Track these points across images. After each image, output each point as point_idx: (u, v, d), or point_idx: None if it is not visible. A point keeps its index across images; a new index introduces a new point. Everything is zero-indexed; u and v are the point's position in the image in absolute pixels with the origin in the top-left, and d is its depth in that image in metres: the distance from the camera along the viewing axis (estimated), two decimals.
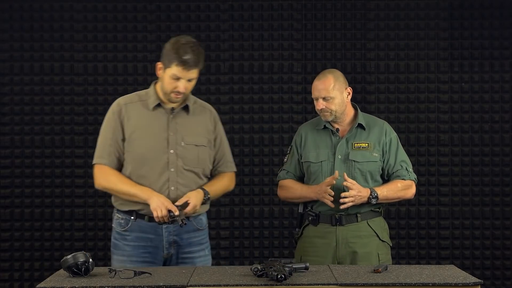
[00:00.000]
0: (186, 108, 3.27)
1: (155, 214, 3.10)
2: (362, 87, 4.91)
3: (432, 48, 4.92)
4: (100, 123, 4.87)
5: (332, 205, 3.36)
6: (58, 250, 4.87)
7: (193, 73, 3.15)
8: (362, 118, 3.52)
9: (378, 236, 3.46)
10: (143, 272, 2.85)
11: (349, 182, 3.33)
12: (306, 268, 2.91)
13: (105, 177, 3.24)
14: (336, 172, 3.35)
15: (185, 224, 3.11)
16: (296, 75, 4.94)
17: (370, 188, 3.39)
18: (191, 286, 2.70)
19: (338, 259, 3.41)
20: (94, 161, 3.26)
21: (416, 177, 3.53)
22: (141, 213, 3.21)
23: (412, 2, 4.93)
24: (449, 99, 4.92)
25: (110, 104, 4.87)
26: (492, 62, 4.90)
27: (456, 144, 4.90)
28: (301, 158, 3.55)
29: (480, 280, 2.74)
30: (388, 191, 3.44)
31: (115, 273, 2.79)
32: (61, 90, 4.93)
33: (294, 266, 2.83)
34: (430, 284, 2.71)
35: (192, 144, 3.24)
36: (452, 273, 2.90)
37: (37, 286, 2.69)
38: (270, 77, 4.94)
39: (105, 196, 4.92)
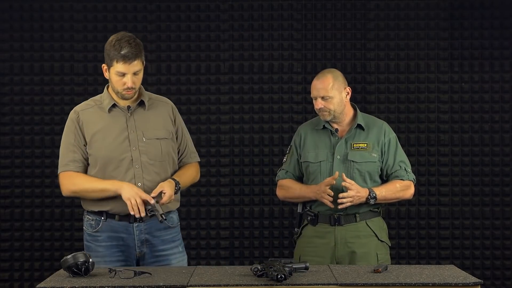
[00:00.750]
0: (142, 104, 3.30)
1: (129, 204, 3.07)
2: (362, 87, 4.91)
3: (432, 48, 4.92)
4: None
5: (332, 205, 3.36)
6: (58, 250, 4.87)
7: (136, 66, 3.18)
8: (362, 118, 3.52)
9: (377, 236, 3.46)
10: (143, 272, 2.85)
11: (348, 182, 3.34)
12: (306, 268, 2.92)
13: (71, 181, 3.25)
14: (336, 173, 3.36)
15: (165, 219, 3.08)
16: (296, 75, 4.94)
17: (368, 189, 3.39)
18: (191, 286, 2.70)
19: (337, 259, 3.42)
20: (59, 171, 3.28)
21: (415, 177, 3.54)
22: (111, 212, 3.23)
23: (412, 2, 4.93)
24: (449, 99, 4.92)
25: None
26: (492, 62, 4.90)
27: (456, 144, 4.90)
28: (300, 158, 3.56)
29: (480, 280, 2.74)
30: (387, 192, 3.44)
31: (115, 273, 2.79)
32: (61, 90, 4.93)
33: (294, 266, 2.83)
34: (430, 284, 2.71)
35: (154, 138, 3.27)
36: (452, 273, 2.91)
37: (37, 286, 2.69)
38: (270, 77, 4.94)
39: None
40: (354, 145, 3.47)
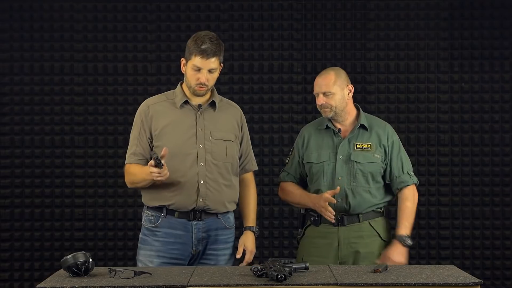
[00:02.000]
0: (213, 105, 3.35)
1: (154, 176, 3.11)
2: (362, 87, 4.91)
3: (432, 48, 4.92)
4: (100, 123, 4.93)
5: (333, 221, 3.37)
6: (58, 250, 4.87)
7: (213, 63, 3.22)
8: (365, 118, 3.52)
9: (380, 236, 3.46)
10: (143, 272, 2.85)
11: (385, 259, 3.36)
12: (306, 268, 2.91)
13: (127, 172, 3.32)
14: (338, 188, 3.35)
15: (160, 162, 3.08)
16: (296, 75, 4.94)
17: (398, 238, 3.40)
18: (191, 286, 2.70)
19: (340, 259, 3.41)
20: (126, 161, 3.35)
21: (417, 179, 3.54)
22: (170, 208, 3.27)
23: (412, 2, 4.93)
24: (449, 99, 4.92)
25: (110, 104, 4.93)
26: (492, 62, 4.90)
27: (456, 144, 4.90)
28: (302, 160, 3.55)
29: (480, 280, 2.74)
30: (408, 219, 3.45)
31: (115, 273, 2.79)
32: (61, 90, 4.94)
33: (294, 266, 2.83)
34: (430, 284, 2.71)
35: (220, 139, 3.31)
36: (452, 273, 2.91)
37: (37, 286, 2.69)
38: (270, 77, 4.94)
39: (105, 196, 4.93)
40: (357, 145, 3.47)
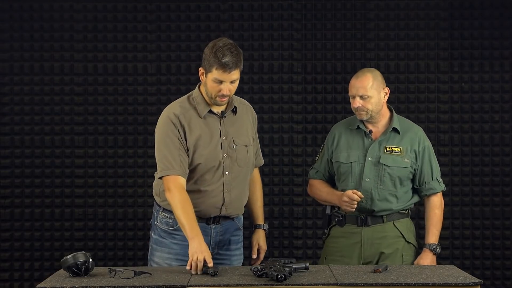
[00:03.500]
0: (233, 110, 3.30)
1: (190, 259, 2.98)
2: None
3: (432, 48, 4.92)
4: (100, 123, 4.92)
5: (353, 210, 3.36)
6: (58, 250, 4.87)
7: (235, 75, 3.14)
8: (397, 121, 3.49)
9: (404, 237, 3.45)
10: (143, 272, 2.86)
11: (419, 264, 3.38)
12: (306, 268, 2.92)
13: (175, 190, 3.13)
14: (360, 193, 3.34)
15: (216, 272, 2.95)
16: (296, 75, 4.94)
17: (428, 247, 3.43)
18: (191, 286, 2.70)
19: (363, 259, 3.41)
20: (163, 173, 3.16)
21: (445, 186, 3.54)
22: None
23: (412, 2, 4.93)
24: (449, 99, 4.92)
25: (110, 104, 4.92)
26: (492, 62, 4.90)
27: (456, 144, 4.90)
28: (332, 158, 3.54)
29: (480, 280, 2.74)
30: (436, 227, 3.48)
31: (115, 273, 2.80)
32: (61, 90, 4.93)
33: (294, 266, 2.84)
34: (430, 284, 2.71)
35: (242, 145, 3.28)
36: (452, 273, 2.91)
37: (37, 286, 2.69)
38: (270, 77, 4.94)
39: (105, 196, 4.93)
40: (387, 148, 3.44)
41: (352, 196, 3.31)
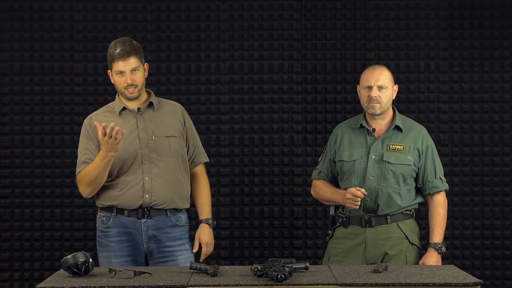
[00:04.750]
0: (151, 106, 3.47)
1: (102, 132, 3.19)
2: None
3: (432, 48, 4.92)
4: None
5: (357, 207, 3.36)
6: (58, 250, 4.87)
7: (132, 63, 3.38)
8: (400, 120, 3.50)
9: (407, 238, 3.45)
10: (143, 272, 2.86)
11: (424, 263, 3.39)
12: (306, 268, 2.92)
13: (81, 181, 3.40)
14: (363, 190, 3.34)
15: (216, 273, 2.94)
16: (296, 75, 4.94)
17: (433, 246, 3.44)
18: (191, 286, 2.70)
19: (367, 260, 3.41)
20: (76, 173, 3.45)
21: (448, 185, 3.56)
22: (119, 207, 3.37)
23: (412, 2, 4.93)
24: (449, 99, 4.92)
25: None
26: (492, 62, 4.90)
27: (456, 144, 4.90)
28: (334, 158, 3.55)
29: (480, 280, 2.74)
30: (440, 226, 3.51)
31: (115, 273, 2.80)
32: (61, 90, 4.94)
33: (294, 266, 2.84)
34: (430, 284, 2.71)
35: (162, 136, 3.43)
36: (452, 273, 2.91)
37: (37, 286, 2.69)
38: (270, 77, 4.94)
39: None
40: (390, 146, 3.45)
41: (355, 193, 3.31)
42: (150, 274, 2.85)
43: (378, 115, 3.44)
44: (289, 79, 4.94)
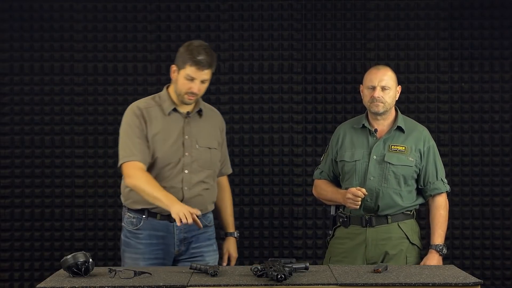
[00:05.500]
0: (199, 112, 3.38)
1: (177, 218, 3.05)
2: None
3: (432, 48, 4.92)
4: (100, 123, 4.93)
5: (357, 207, 3.35)
6: (58, 250, 4.87)
7: (206, 74, 3.25)
8: (402, 121, 3.50)
9: (408, 238, 3.45)
10: (143, 272, 2.86)
11: (426, 264, 3.38)
12: (306, 268, 2.92)
13: (135, 173, 3.23)
14: (364, 189, 3.34)
15: (216, 273, 2.99)
16: (296, 75, 4.94)
17: (434, 249, 3.44)
18: (191, 286, 2.70)
19: (367, 260, 3.41)
20: (124, 160, 3.27)
21: (449, 187, 3.57)
22: (153, 211, 3.30)
23: (412, 2, 4.93)
24: (449, 99, 4.92)
25: (110, 104, 4.92)
26: (492, 62, 4.90)
27: (456, 144, 4.90)
28: (336, 158, 3.55)
29: (480, 280, 2.74)
30: (442, 228, 3.51)
31: (115, 273, 2.80)
32: (61, 90, 4.94)
33: (294, 266, 2.84)
34: (430, 284, 2.71)
35: (206, 147, 3.36)
36: (452, 273, 2.91)
37: (37, 286, 2.69)
38: (270, 77, 4.94)
39: (105, 196, 4.93)
40: (392, 147, 3.45)
41: (356, 193, 3.31)
42: (150, 274, 2.85)
43: (381, 114, 3.44)
44: (289, 79, 4.94)
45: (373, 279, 2.76)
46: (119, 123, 4.87)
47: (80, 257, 2.83)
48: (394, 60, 4.93)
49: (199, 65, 3.21)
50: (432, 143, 3.52)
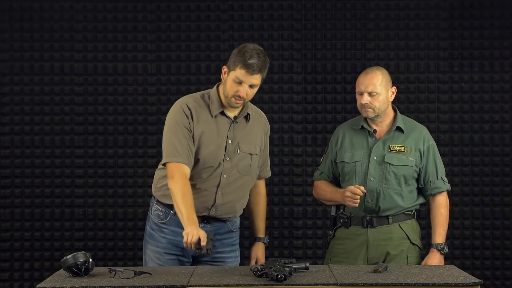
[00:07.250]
0: (246, 117, 3.31)
1: (185, 238, 3.01)
2: None
3: (432, 48, 4.92)
4: (100, 123, 4.92)
5: (357, 205, 3.34)
6: (58, 250, 4.87)
7: (256, 79, 3.16)
8: (401, 121, 3.49)
9: (409, 238, 3.45)
10: (143, 272, 2.86)
11: (427, 264, 3.38)
12: (306, 268, 2.92)
13: (178, 178, 3.15)
14: (363, 188, 3.34)
15: (211, 251, 3.02)
16: (296, 75, 4.94)
17: (436, 247, 3.44)
18: (191, 286, 2.70)
19: (368, 260, 3.40)
20: (169, 159, 3.18)
21: (450, 186, 3.56)
22: None
23: (412, 2, 4.93)
24: (449, 99, 4.92)
25: (110, 104, 4.92)
26: (492, 62, 4.90)
27: (456, 144, 4.90)
28: (336, 159, 3.54)
29: (480, 280, 2.74)
30: (442, 227, 3.50)
31: (115, 273, 2.80)
32: (61, 90, 4.94)
33: (294, 266, 2.83)
34: (430, 284, 2.71)
35: (247, 152, 3.29)
36: (452, 273, 2.91)
37: (37, 286, 2.69)
38: (270, 77, 4.94)
39: (105, 196, 4.93)
40: (392, 147, 3.44)
41: (354, 191, 3.31)
42: (150, 274, 2.85)
43: (372, 118, 3.45)
44: (289, 79, 4.94)
45: (373, 279, 2.76)
46: (119, 123, 4.93)
47: (80, 257, 2.83)
48: (394, 60, 4.93)
49: (249, 68, 3.11)
50: (432, 142, 3.51)
